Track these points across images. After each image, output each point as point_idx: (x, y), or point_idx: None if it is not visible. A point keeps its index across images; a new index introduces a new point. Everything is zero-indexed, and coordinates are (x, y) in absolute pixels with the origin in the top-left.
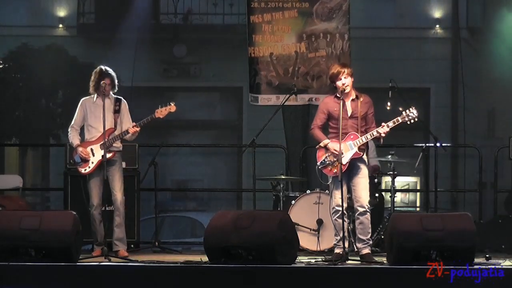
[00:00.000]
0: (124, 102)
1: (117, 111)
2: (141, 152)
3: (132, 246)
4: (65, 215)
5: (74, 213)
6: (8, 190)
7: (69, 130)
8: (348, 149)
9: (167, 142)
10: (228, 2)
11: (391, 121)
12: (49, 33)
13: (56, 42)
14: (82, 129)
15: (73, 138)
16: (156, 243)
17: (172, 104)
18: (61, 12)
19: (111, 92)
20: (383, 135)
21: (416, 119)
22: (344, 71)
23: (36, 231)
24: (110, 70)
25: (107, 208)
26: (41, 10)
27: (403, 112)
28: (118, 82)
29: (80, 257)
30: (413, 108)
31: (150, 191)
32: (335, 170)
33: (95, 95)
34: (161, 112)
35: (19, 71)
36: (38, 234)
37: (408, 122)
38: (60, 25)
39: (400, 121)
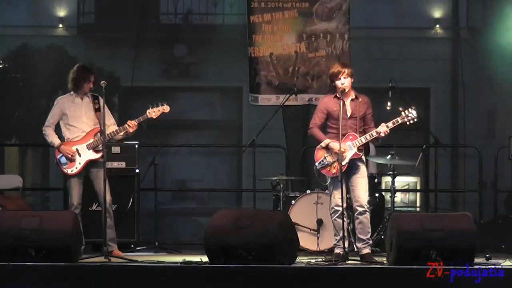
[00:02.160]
0: (101, 99)
1: (97, 110)
2: (141, 152)
3: (132, 246)
4: (65, 215)
5: (74, 213)
6: (8, 190)
7: (44, 129)
8: (347, 149)
9: (167, 142)
10: (228, 2)
11: (391, 122)
12: (49, 33)
13: (56, 42)
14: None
15: (53, 137)
16: (156, 243)
17: (165, 105)
18: (61, 12)
19: None
20: (382, 135)
21: (415, 120)
22: (344, 71)
23: (36, 231)
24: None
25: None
26: (41, 10)
27: (402, 113)
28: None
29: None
30: (413, 108)
31: (150, 191)
32: (334, 170)
33: (74, 94)
34: (153, 112)
35: (19, 71)
36: (38, 234)
37: (408, 123)
38: (60, 25)
39: (400, 121)
